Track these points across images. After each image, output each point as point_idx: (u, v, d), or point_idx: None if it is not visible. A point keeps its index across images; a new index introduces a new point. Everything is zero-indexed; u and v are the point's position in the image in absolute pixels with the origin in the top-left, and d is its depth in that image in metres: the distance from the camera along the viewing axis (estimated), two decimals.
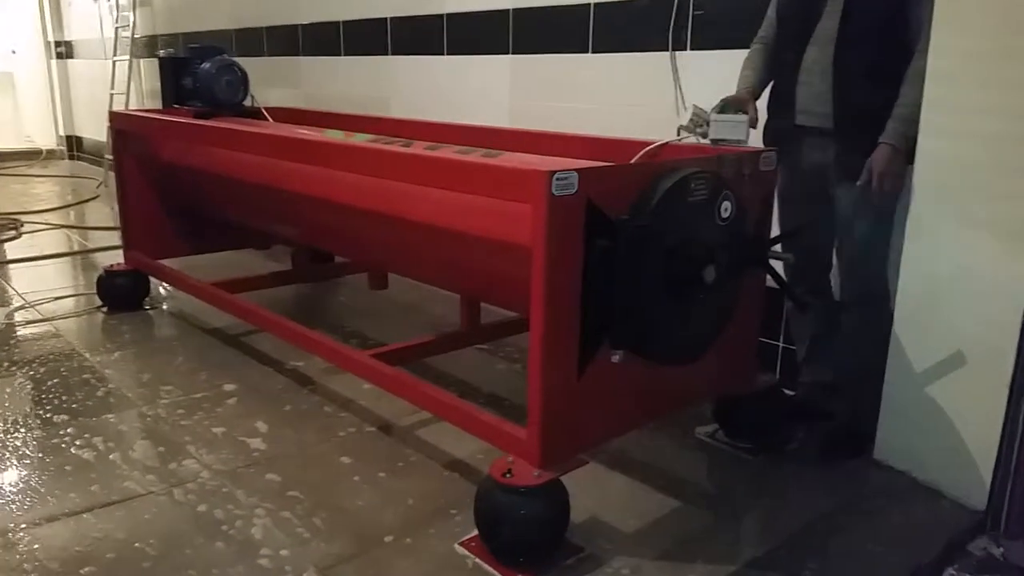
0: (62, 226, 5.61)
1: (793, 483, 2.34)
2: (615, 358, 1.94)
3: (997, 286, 2.09)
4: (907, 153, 2.20)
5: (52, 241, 5.18)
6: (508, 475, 1.89)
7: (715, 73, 2.91)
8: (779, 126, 2.44)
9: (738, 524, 2.17)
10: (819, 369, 2.63)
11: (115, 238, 5.14)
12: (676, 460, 2.46)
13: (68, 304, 3.87)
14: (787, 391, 2.67)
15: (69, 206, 6.35)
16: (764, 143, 2.48)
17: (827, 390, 2.60)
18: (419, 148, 2.56)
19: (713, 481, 2.39)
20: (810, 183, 2.43)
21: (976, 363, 2.18)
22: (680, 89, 3.00)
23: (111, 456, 2.40)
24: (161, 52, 6.64)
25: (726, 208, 2.05)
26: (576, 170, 1.78)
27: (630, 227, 1.86)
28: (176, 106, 3.70)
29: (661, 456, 2.47)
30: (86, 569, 1.87)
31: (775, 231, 2.40)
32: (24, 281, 4.23)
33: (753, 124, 2.33)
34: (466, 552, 1.96)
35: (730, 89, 2.48)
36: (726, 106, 2.35)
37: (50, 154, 8.96)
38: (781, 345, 2.90)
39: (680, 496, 2.26)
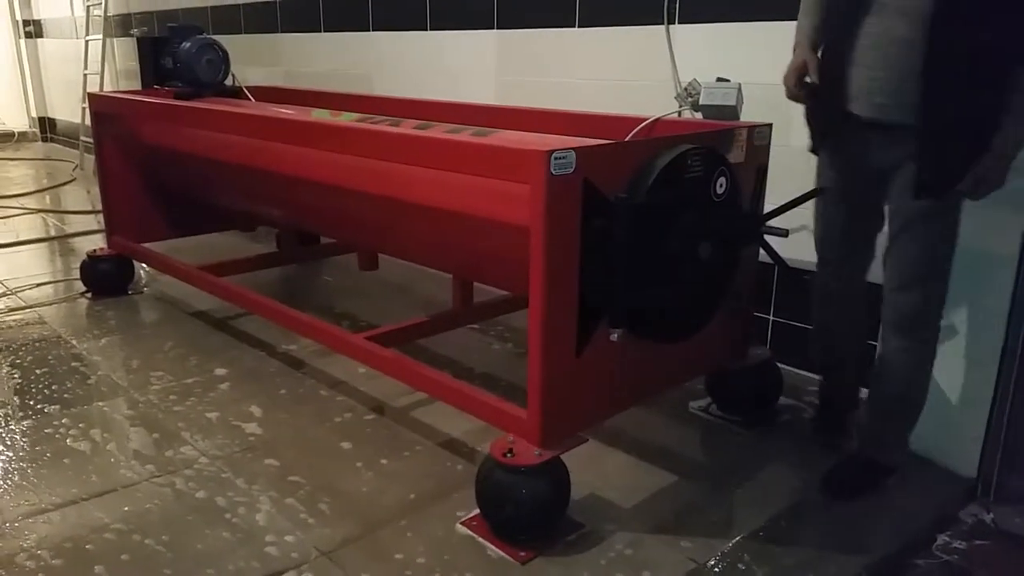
0: (39, 210, 5.52)
1: (787, 455, 2.37)
2: (613, 337, 1.95)
3: (983, 257, 2.12)
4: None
5: (29, 225, 5.09)
6: (509, 455, 1.90)
7: (703, 48, 2.90)
8: (828, 111, 2.03)
9: (735, 496, 2.20)
10: (829, 354, 2.43)
11: (93, 222, 5.08)
12: (671, 434, 2.49)
13: (51, 290, 3.81)
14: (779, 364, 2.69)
15: (45, 190, 6.23)
16: (811, 128, 2.15)
17: (835, 376, 2.47)
18: (409, 127, 2.53)
19: (708, 454, 2.42)
20: (860, 184, 2.06)
21: (965, 334, 2.21)
22: (675, 63, 2.97)
23: (107, 446, 2.38)
24: (135, 31, 6.54)
25: (721, 184, 2.06)
26: (574, 149, 1.77)
27: (627, 206, 1.86)
28: (156, 87, 3.64)
29: (656, 430, 2.49)
30: (98, 568, 1.85)
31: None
32: (2, 267, 4.15)
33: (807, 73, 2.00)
34: (468, 531, 1.97)
35: (720, 64, 2.47)
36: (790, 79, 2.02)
37: (22, 136, 8.77)
38: (771, 319, 2.92)
39: (677, 470, 2.28)
